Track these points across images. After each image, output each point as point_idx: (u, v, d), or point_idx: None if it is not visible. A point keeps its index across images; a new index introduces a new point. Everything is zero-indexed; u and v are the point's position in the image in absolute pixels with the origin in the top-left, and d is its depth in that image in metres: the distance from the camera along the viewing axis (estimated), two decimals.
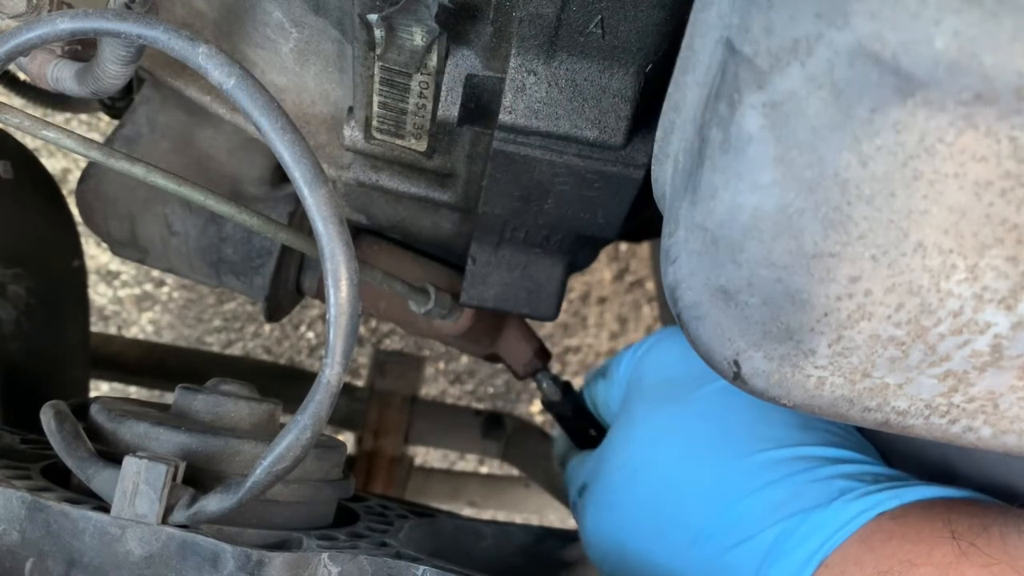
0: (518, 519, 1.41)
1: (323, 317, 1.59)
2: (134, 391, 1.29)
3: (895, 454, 0.57)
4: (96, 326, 1.61)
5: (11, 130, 0.54)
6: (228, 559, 0.43)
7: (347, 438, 0.90)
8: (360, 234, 0.77)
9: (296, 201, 0.72)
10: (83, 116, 1.59)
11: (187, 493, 0.44)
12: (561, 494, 1.05)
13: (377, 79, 0.50)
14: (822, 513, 0.49)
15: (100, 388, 1.53)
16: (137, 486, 0.43)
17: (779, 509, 0.50)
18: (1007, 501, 0.50)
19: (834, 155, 0.31)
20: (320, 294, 0.79)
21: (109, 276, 1.67)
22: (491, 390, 1.72)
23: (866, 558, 0.46)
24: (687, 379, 0.61)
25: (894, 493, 0.48)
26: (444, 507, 0.72)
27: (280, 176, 0.74)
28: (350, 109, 0.58)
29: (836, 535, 0.47)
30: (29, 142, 0.87)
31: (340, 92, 0.62)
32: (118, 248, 0.76)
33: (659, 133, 0.43)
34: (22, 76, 1.01)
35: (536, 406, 1.71)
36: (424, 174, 0.62)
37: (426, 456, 1.59)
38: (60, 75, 0.50)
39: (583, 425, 0.77)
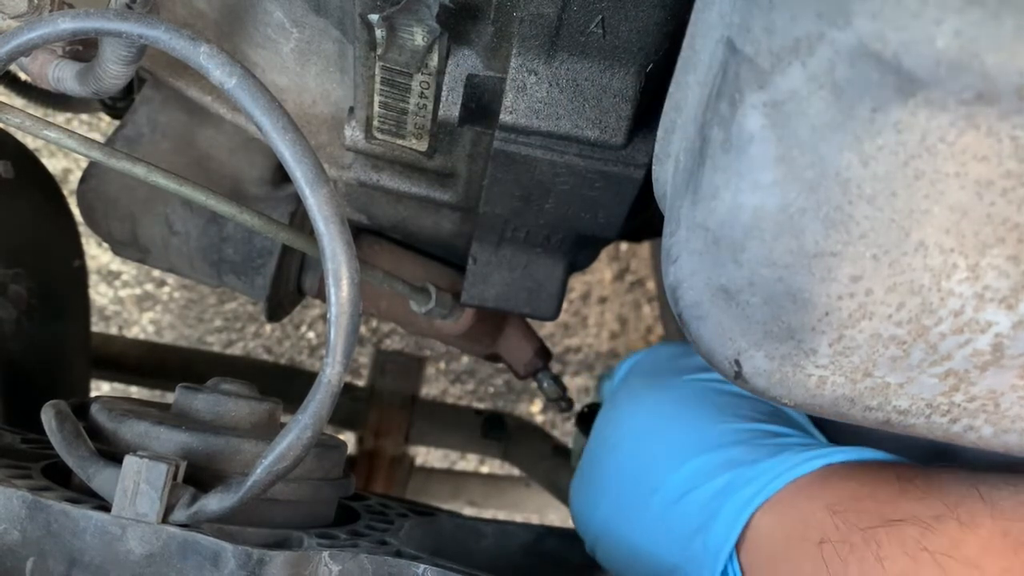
0: (519, 519, 1.41)
1: (324, 317, 1.59)
2: (135, 391, 1.29)
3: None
4: (97, 326, 1.61)
5: (12, 130, 0.54)
6: (229, 558, 0.43)
7: (348, 438, 0.89)
8: (361, 234, 0.77)
9: (297, 201, 0.72)
10: (84, 116, 1.59)
11: (188, 492, 0.44)
12: (562, 493, 1.05)
13: (378, 79, 0.50)
14: (772, 459, 0.52)
15: (101, 388, 1.53)
16: (138, 485, 0.43)
17: (732, 461, 0.53)
18: None
19: (835, 155, 0.31)
20: (321, 294, 0.79)
21: (110, 276, 1.67)
22: (492, 390, 1.72)
23: (820, 493, 0.49)
24: (669, 373, 0.64)
25: (847, 450, 0.51)
26: (445, 507, 0.72)
27: (281, 176, 0.74)
28: (351, 109, 0.58)
29: (784, 475, 0.50)
30: (30, 142, 0.87)
31: (341, 92, 0.62)
32: (119, 248, 0.76)
33: (660, 133, 0.43)
34: (23, 76, 1.01)
35: (537, 406, 1.71)
36: (425, 174, 0.62)
37: (427, 456, 1.59)
38: (61, 75, 0.50)
39: None
